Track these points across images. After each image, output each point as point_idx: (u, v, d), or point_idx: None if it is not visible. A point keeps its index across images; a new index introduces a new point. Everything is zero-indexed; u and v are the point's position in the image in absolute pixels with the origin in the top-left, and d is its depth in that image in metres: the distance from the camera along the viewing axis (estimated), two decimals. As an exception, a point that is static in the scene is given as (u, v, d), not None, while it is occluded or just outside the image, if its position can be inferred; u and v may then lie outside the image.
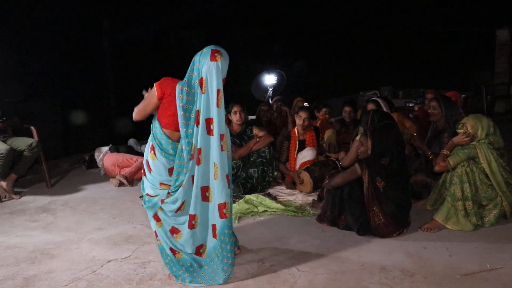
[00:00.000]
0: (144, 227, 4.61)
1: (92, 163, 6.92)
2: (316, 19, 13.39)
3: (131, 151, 6.77)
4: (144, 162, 3.59)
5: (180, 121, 3.35)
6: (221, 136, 3.35)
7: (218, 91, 3.29)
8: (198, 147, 3.33)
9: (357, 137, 4.44)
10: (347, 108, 6.69)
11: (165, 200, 3.48)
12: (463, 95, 9.10)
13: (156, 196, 3.51)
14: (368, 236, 4.20)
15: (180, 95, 3.31)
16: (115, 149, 6.69)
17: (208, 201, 3.43)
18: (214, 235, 3.45)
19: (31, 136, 5.94)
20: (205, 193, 3.41)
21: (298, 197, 5.39)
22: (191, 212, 3.43)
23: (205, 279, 3.46)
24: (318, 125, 6.49)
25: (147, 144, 3.55)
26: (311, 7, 12.96)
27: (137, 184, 6.13)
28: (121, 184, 6.03)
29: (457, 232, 4.27)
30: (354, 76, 13.31)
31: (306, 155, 5.89)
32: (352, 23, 13.95)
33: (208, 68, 3.28)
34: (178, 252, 3.50)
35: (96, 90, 8.03)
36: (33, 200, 5.58)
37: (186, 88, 3.33)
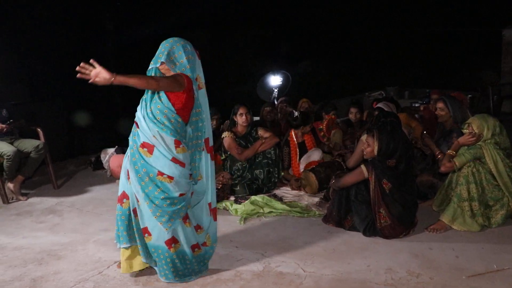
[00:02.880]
0: (150, 228, 4.61)
1: (98, 165, 6.94)
2: (320, 19, 13.35)
3: (137, 152, 6.77)
4: (170, 163, 3.35)
5: (195, 114, 3.56)
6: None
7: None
8: (206, 136, 3.65)
9: (363, 137, 4.44)
10: (353, 109, 6.68)
11: (194, 192, 3.63)
12: (469, 95, 9.06)
13: (186, 192, 3.48)
14: (374, 237, 4.19)
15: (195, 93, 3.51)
16: (121, 150, 6.70)
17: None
18: (215, 218, 3.82)
19: (38, 137, 5.96)
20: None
21: (304, 198, 5.39)
22: (209, 200, 3.75)
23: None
24: (324, 126, 6.47)
25: (165, 145, 3.33)
26: (314, 7, 12.92)
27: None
28: (127, 185, 6.03)
29: (464, 232, 4.26)
30: (360, 76, 13.28)
31: (312, 155, 5.90)
32: (357, 22, 13.91)
33: (199, 66, 3.54)
34: (199, 247, 3.62)
35: (101, 91, 8.02)
36: (40, 202, 5.60)
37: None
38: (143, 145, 3.36)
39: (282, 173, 5.88)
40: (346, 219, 4.39)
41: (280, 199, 5.34)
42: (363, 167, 4.25)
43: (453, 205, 4.32)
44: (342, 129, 6.59)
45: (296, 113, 5.96)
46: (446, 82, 11.75)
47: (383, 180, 4.13)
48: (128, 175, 3.46)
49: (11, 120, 5.71)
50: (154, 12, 8.83)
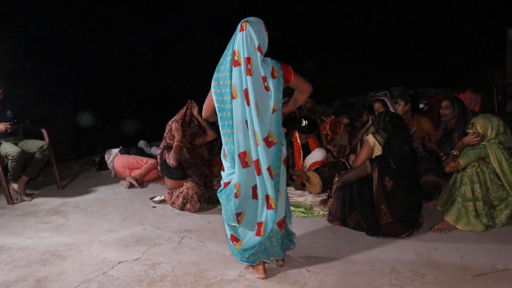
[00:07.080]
0: (154, 229, 4.62)
1: (103, 165, 6.96)
2: (325, 19, 13.35)
3: (141, 153, 6.79)
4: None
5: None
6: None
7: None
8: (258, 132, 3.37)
9: (368, 137, 4.45)
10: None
11: None
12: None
13: None
14: (379, 237, 4.19)
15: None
16: (125, 151, 6.72)
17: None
18: None
19: (42, 138, 5.98)
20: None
21: (308, 198, 5.38)
22: None
23: None
24: (327, 129, 6.46)
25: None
26: (319, 7, 12.92)
27: (147, 185, 6.15)
28: (131, 186, 6.06)
29: (468, 232, 4.25)
30: (364, 76, 13.26)
31: (316, 155, 5.89)
32: (361, 22, 13.90)
33: (240, 39, 3.43)
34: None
35: (107, 92, 8.05)
36: (45, 202, 5.61)
37: None
38: None
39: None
40: (351, 217, 4.39)
41: (284, 199, 5.32)
42: (367, 162, 4.27)
43: (457, 205, 4.31)
44: (347, 130, 6.58)
45: (304, 122, 5.95)
46: (450, 82, 11.72)
47: (385, 178, 4.14)
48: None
49: (15, 120, 5.72)
50: (162, 13, 8.84)
